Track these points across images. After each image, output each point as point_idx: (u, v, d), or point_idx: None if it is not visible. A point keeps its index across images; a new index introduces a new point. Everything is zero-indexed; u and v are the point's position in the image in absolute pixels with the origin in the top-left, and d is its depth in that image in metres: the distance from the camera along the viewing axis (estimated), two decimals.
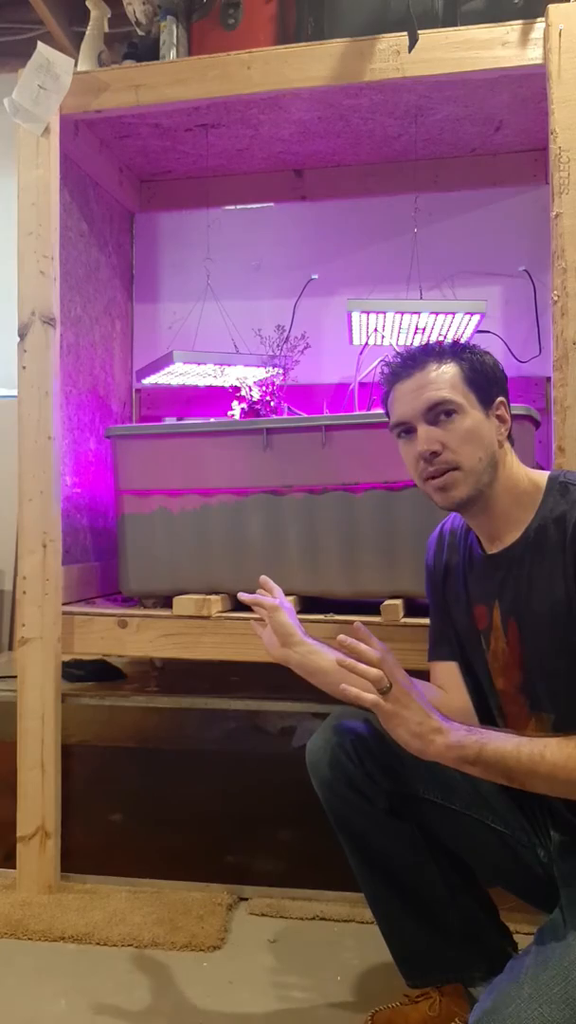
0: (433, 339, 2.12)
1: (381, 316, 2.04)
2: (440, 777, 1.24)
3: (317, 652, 1.35)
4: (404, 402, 1.22)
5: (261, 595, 1.41)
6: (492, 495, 1.20)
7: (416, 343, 2.14)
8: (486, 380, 1.21)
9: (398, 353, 1.26)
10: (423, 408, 1.19)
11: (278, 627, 1.36)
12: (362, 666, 1.08)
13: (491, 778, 1.08)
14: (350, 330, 2.13)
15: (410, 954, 1.33)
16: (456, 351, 1.23)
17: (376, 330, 2.12)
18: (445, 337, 2.07)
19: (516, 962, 1.02)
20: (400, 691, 1.07)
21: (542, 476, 1.22)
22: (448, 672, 1.34)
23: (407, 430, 1.22)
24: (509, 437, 1.23)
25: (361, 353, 2.17)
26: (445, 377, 1.19)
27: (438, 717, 1.08)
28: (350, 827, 1.30)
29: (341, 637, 1.11)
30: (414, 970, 1.34)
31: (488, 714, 1.30)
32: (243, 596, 1.41)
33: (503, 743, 1.06)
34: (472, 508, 1.22)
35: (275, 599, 1.40)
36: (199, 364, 2.14)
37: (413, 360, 1.22)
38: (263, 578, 1.44)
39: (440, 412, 1.18)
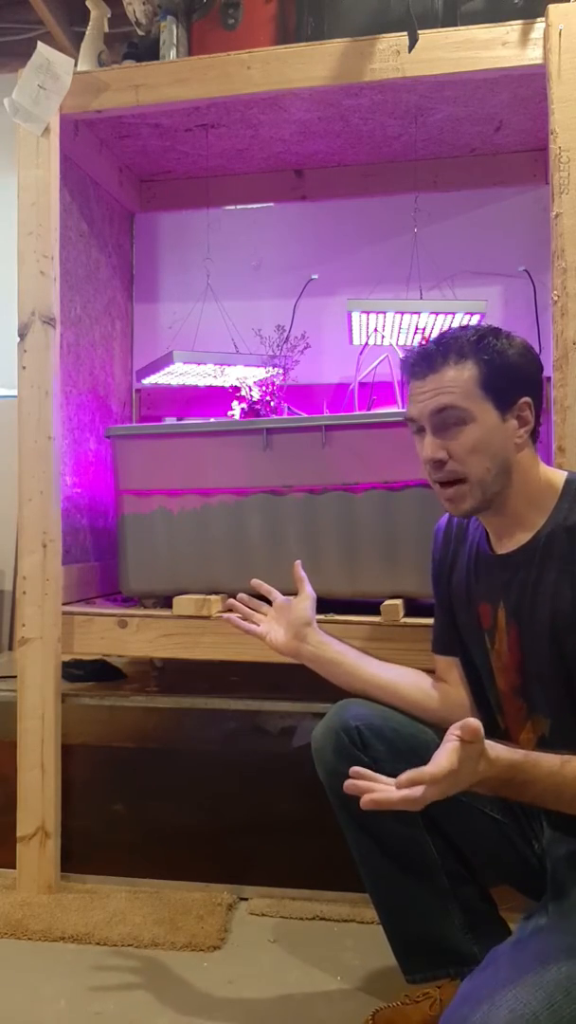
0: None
1: (381, 316, 2.03)
2: None
3: (328, 644, 1.37)
4: (416, 400, 1.19)
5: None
6: (504, 498, 1.18)
7: (416, 343, 2.15)
8: (507, 381, 1.16)
9: (420, 344, 1.23)
10: (432, 411, 1.17)
11: (299, 614, 1.37)
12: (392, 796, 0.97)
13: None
14: (350, 330, 2.13)
15: (410, 944, 1.33)
16: (479, 348, 1.16)
17: (376, 330, 2.12)
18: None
19: (496, 950, 1.03)
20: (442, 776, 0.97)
21: (559, 477, 1.19)
22: (449, 666, 1.36)
23: (419, 428, 1.20)
24: (535, 434, 1.19)
25: (361, 353, 2.17)
26: (459, 382, 1.15)
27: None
28: (352, 812, 1.29)
29: (366, 797, 0.99)
30: (414, 963, 1.33)
31: (488, 709, 1.30)
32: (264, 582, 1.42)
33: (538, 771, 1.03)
34: (483, 512, 1.21)
35: (305, 589, 1.41)
36: (199, 364, 2.14)
37: (430, 359, 1.18)
38: (297, 568, 1.43)
39: (448, 418, 1.15)
